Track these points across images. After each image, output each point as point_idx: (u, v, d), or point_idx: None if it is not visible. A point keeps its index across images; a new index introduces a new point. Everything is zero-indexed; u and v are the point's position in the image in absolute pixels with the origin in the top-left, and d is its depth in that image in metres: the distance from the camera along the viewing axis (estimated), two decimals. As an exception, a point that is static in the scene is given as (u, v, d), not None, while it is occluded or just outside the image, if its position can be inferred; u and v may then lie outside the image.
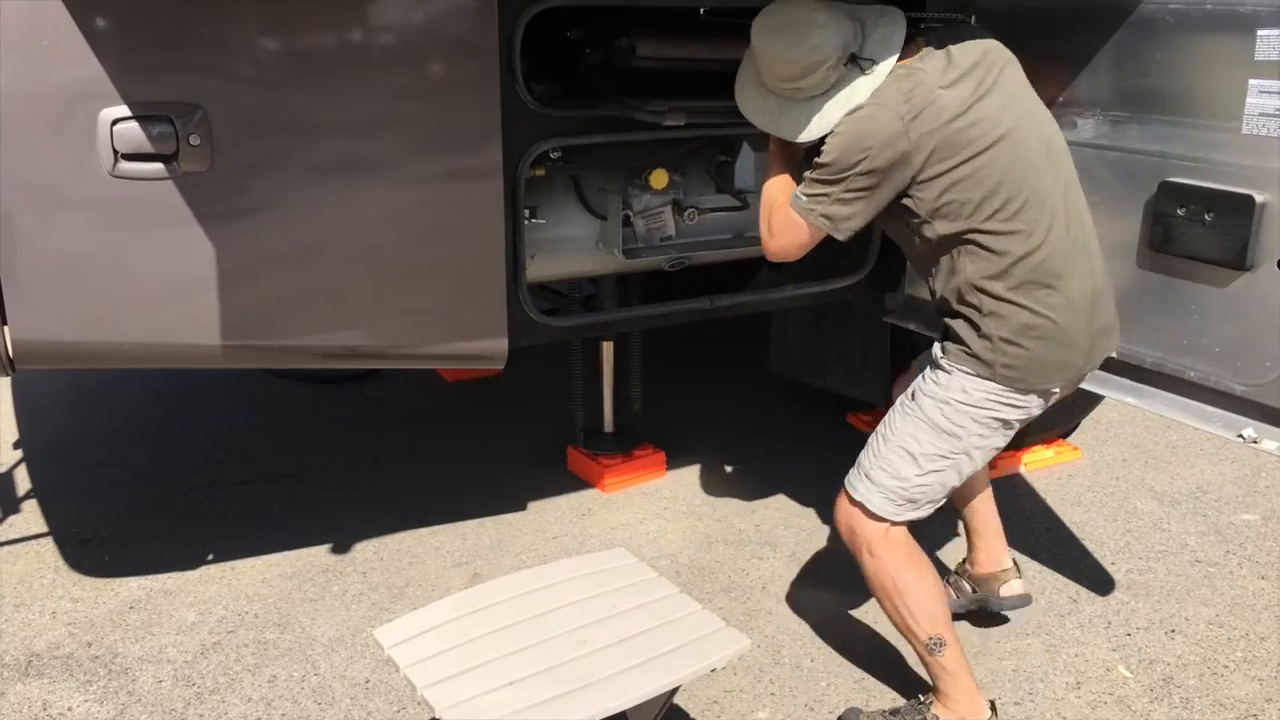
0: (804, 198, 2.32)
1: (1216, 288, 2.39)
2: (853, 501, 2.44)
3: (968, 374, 2.33)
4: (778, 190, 2.44)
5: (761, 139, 2.97)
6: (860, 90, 2.29)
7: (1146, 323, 2.58)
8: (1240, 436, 2.37)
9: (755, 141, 3.04)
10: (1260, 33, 2.23)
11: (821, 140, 2.34)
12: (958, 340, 2.36)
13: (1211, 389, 2.44)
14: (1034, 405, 2.37)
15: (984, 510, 2.89)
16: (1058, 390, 2.39)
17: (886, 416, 2.48)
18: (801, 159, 2.51)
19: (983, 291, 2.30)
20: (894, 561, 2.40)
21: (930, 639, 2.41)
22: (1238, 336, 2.37)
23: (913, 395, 2.43)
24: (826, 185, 2.29)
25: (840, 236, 2.34)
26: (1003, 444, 2.42)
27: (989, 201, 2.26)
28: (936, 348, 2.43)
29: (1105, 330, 2.42)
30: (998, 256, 2.28)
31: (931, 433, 2.36)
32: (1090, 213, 2.55)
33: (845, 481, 2.48)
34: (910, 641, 2.47)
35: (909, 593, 2.40)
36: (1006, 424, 2.37)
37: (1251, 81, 2.26)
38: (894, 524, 2.41)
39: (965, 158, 2.25)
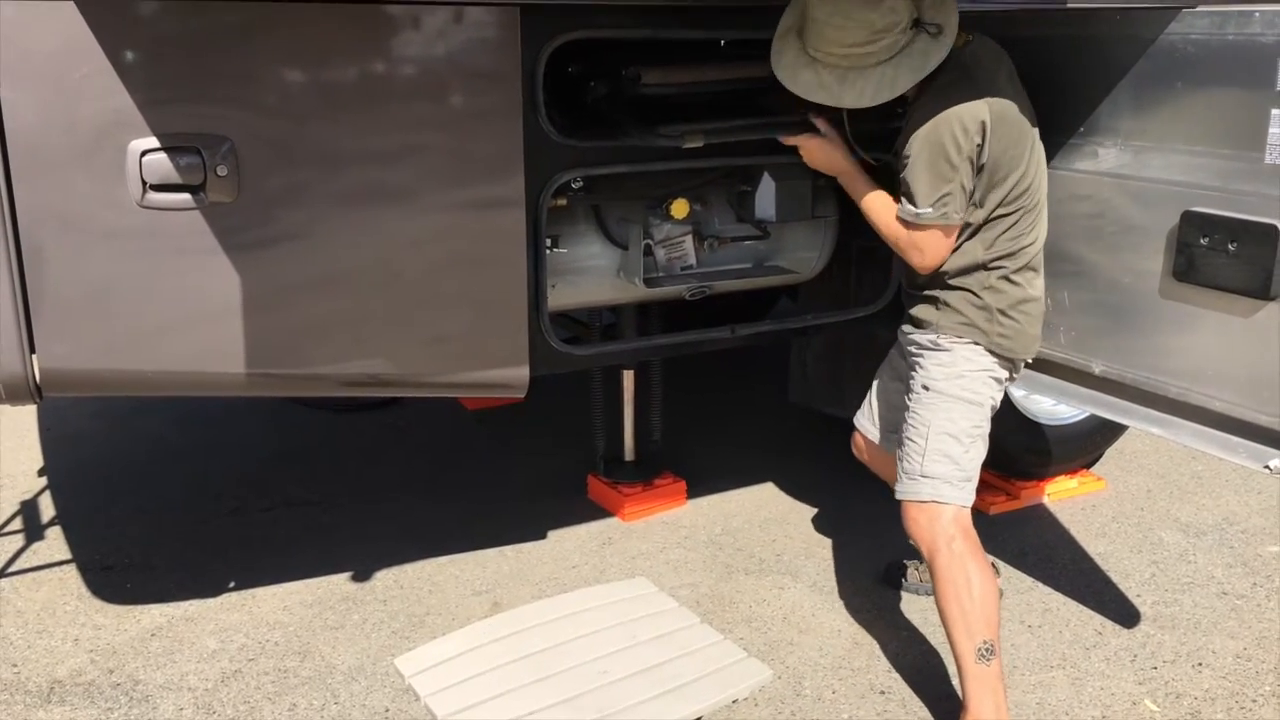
0: (932, 209, 2.41)
1: (1241, 317, 2.38)
2: (923, 504, 2.53)
3: (964, 343, 2.54)
4: (887, 211, 2.54)
5: (783, 169, 3.00)
6: (934, 55, 2.38)
7: (1171, 352, 2.57)
8: (1267, 467, 2.35)
9: (776, 171, 3.05)
10: (1282, 63, 2.23)
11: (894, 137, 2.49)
12: (952, 311, 2.53)
13: (1237, 419, 2.43)
14: (1011, 370, 2.62)
15: None
16: (1027, 362, 2.66)
17: (907, 423, 2.60)
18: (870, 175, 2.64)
19: (990, 269, 2.50)
20: (973, 554, 2.49)
21: (984, 644, 2.45)
22: (1263, 366, 2.35)
23: (924, 388, 2.57)
24: (947, 181, 2.38)
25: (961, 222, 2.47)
26: (1000, 400, 2.64)
27: (1031, 185, 2.47)
28: (922, 337, 2.59)
29: None
30: (1016, 238, 2.49)
31: (962, 408, 2.54)
32: (1114, 242, 2.59)
33: (903, 494, 2.58)
34: (959, 650, 2.48)
35: (977, 586, 2.46)
36: (1000, 382, 2.60)
37: (1274, 111, 2.26)
38: (964, 508, 2.54)
39: (1026, 137, 2.44)
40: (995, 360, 2.56)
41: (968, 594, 2.45)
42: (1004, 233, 2.48)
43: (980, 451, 2.58)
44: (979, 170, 2.41)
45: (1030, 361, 2.68)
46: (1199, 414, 2.52)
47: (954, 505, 2.51)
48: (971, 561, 2.47)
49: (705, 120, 2.83)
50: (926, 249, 2.48)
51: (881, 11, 2.36)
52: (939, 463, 2.52)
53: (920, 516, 2.53)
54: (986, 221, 2.47)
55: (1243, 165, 2.34)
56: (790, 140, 2.69)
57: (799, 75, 2.50)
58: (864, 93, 2.42)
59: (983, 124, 2.36)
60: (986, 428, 2.59)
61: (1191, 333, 2.51)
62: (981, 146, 2.37)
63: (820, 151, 2.66)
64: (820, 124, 2.66)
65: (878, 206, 2.58)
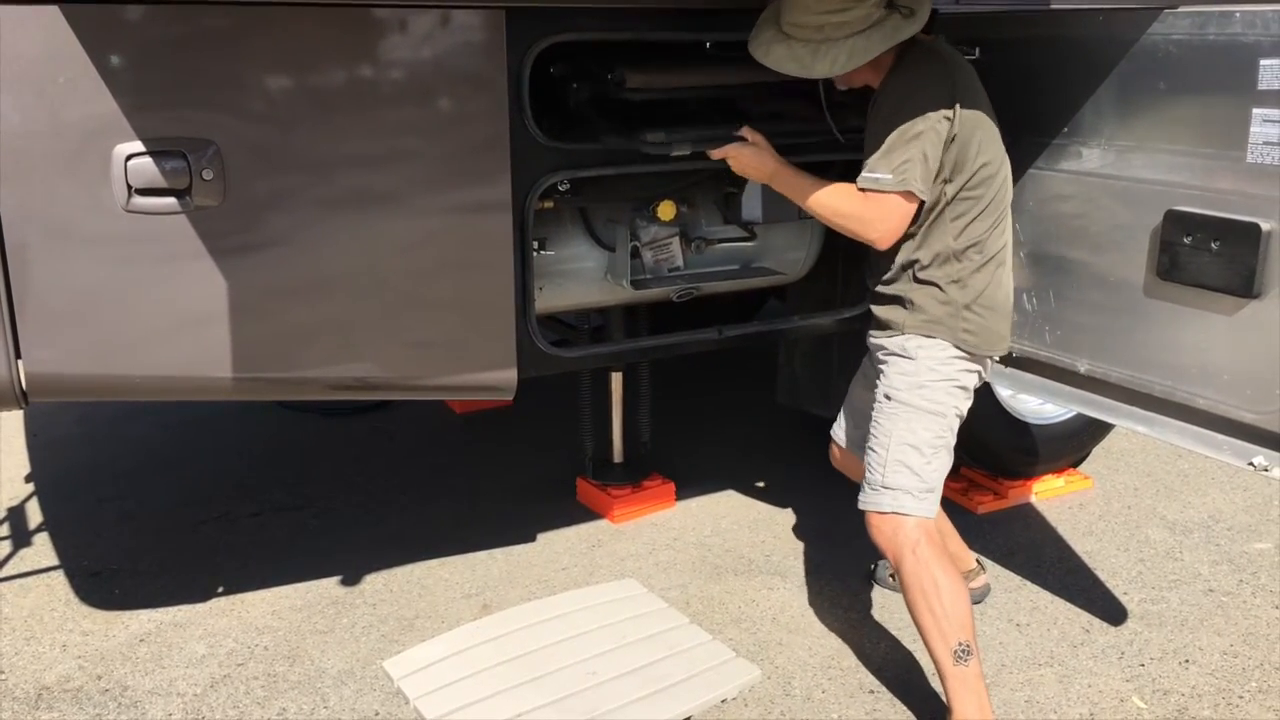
0: (892, 175, 2.40)
1: (1224, 316, 2.39)
2: (884, 514, 2.54)
3: (931, 342, 2.53)
4: (837, 192, 2.51)
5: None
6: (904, 30, 2.41)
7: (1155, 351, 2.58)
8: (1251, 464, 2.37)
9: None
10: (1263, 62, 2.24)
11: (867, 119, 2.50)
12: (917, 310, 2.53)
13: (1221, 417, 2.44)
14: (980, 372, 2.61)
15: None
16: (994, 360, 2.67)
17: (871, 433, 2.60)
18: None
19: (961, 260, 2.50)
20: (936, 560, 2.49)
21: (959, 645, 2.46)
22: (1246, 364, 2.37)
23: (886, 398, 2.57)
24: (909, 148, 2.39)
25: (926, 196, 2.45)
26: (967, 409, 2.61)
27: (997, 175, 2.48)
28: (889, 341, 2.59)
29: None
30: (983, 228, 2.49)
31: (924, 419, 2.54)
32: (1098, 241, 2.59)
33: (864, 504, 2.58)
34: (936, 654, 2.49)
35: (944, 591, 2.47)
36: (967, 390, 2.59)
37: (1255, 110, 2.28)
38: (927, 518, 2.52)
39: (994, 128, 2.47)
40: (962, 365, 2.54)
41: (937, 598, 2.46)
42: (973, 220, 2.48)
43: (944, 462, 2.57)
44: (949, 143, 2.41)
45: (997, 359, 2.67)
46: (1184, 412, 2.53)
47: (916, 516, 2.52)
48: (937, 566, 2.48)
49: (692, 122, 2.84)
50: (886, 216, 2.43)
51: None
52: (900, 474, 2.52)
53: (884, 526, 2.54)
54: (954, 199, 2.46)
55: (1225, 164, 2.35)
56: (717, 154, 2.67)
57: (772, 49, 2.50)
58: (836, 61, 2.42)
59: (951, 96, 2.39)
60: (950, 438, 2.57)
61: (1175, 331, 2.52)
62: (951, 120, 2.39)
63: (749, 158, 2.64)
64: (746, 132, 2.66)
65: (819, 193, 2.52)
